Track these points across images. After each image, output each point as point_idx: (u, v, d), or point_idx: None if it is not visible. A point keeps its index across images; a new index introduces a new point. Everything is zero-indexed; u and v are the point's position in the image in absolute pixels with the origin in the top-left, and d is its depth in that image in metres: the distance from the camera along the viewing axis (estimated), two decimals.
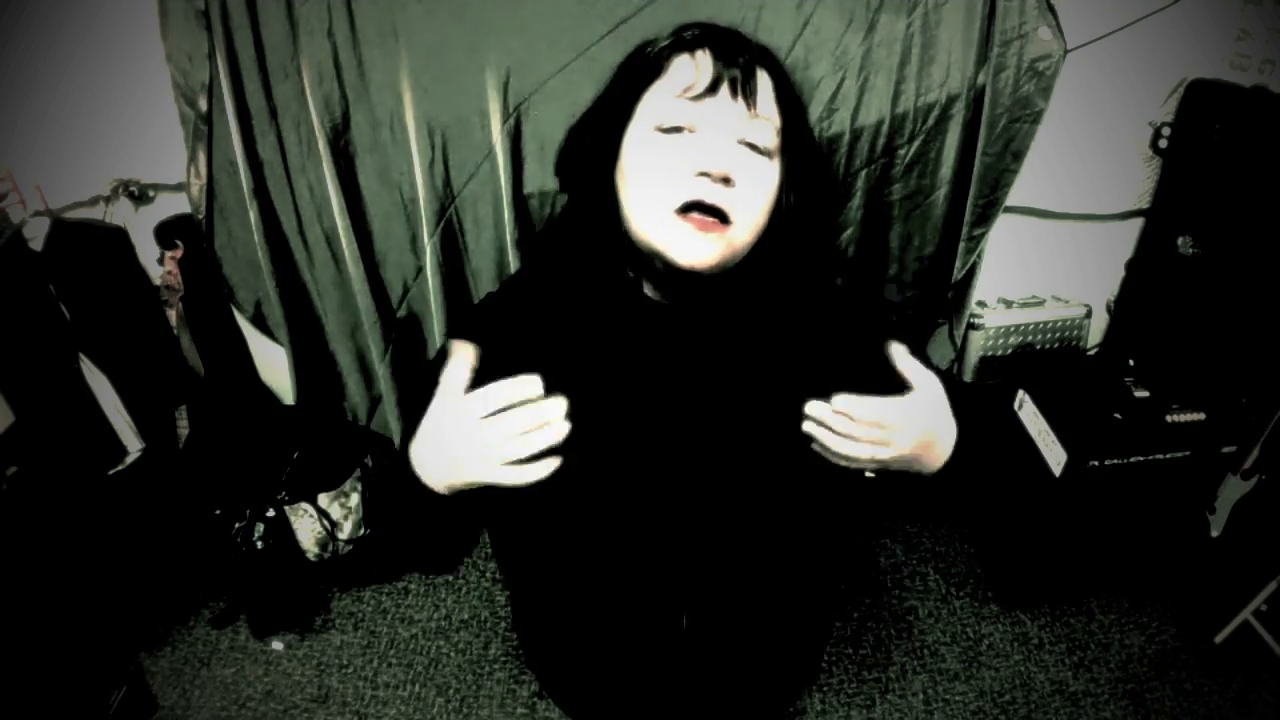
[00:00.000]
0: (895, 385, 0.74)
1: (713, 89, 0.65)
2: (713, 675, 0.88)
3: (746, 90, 0.66)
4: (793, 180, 0.72)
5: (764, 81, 0.68)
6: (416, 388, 0.79)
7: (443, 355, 0.78)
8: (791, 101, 0.71)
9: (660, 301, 0.75)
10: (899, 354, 0.64)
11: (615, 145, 0.70)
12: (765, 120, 0.67)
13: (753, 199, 0.68)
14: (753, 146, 0.67)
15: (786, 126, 0.70)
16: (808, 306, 0.80)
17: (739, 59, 0.66)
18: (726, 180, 0.65)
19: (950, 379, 0.78)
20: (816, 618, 0.98)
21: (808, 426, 0.61)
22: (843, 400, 0.59)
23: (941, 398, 0.64)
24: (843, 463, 0.61)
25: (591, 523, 0.79)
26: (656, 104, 0.67)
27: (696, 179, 0.65)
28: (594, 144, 0.72)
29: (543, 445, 0.56)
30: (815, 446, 0.61)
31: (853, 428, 0.59)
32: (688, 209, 0.66)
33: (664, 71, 0.67)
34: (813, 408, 0.60)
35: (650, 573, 0.80)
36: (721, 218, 0.66)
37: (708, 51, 0.67)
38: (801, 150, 0.72)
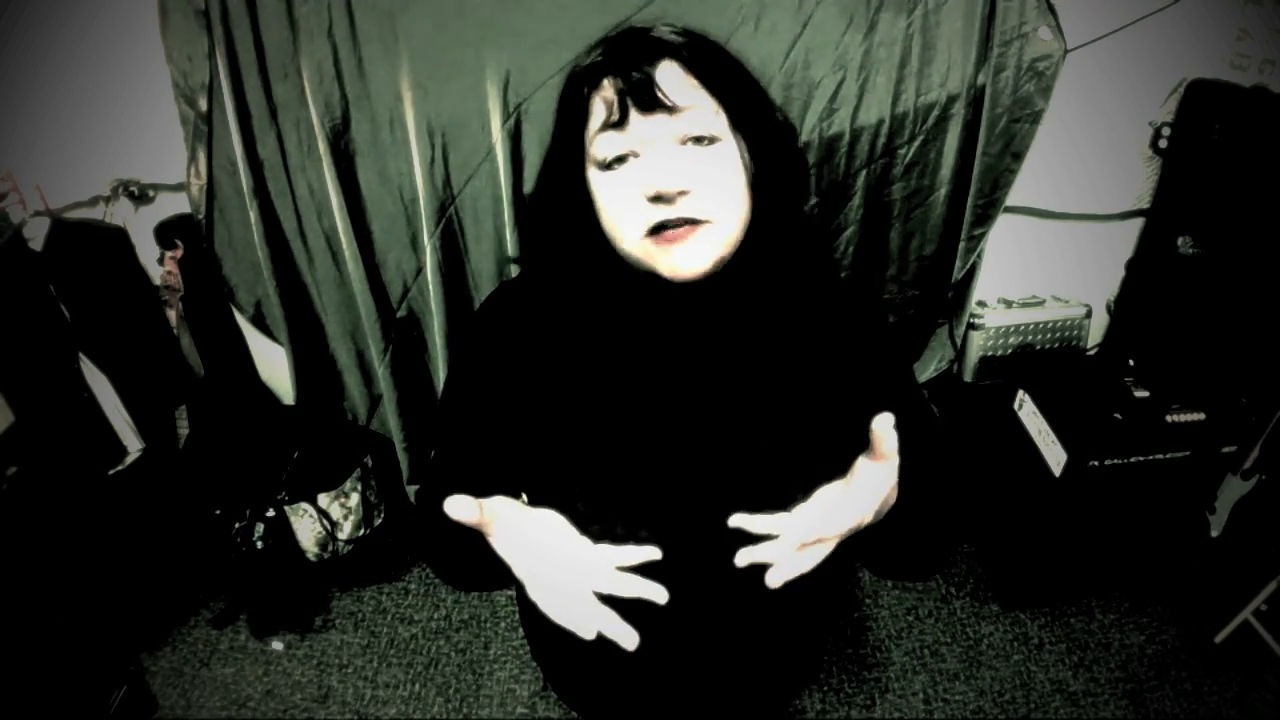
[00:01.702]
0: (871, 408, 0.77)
1: (624, 115, 0.66)
2: (718, 667, 0.89)
3: (653, 97, 0.65)
4: (757, 147, 0.71)
5: (673, 75, 0.66)
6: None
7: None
8: (721, 75, 0.68)
9: (663, 299, 0.75)
10: (879, 428, 0.60)
11: (583, 186, 0.71)
12: (693, 108, 0.66)
13: (719, 189, 0.68)
14: (697, 139, 0.67)
15: (727, 103, 0.68)
16: (806, 296, 0.80)
17: (633, 72, 0.65)
18: (682, 192, 0.65)
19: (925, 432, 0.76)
20: (821, 609, 0.98)
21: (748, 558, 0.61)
22: (772, 551, 0.59)
23: (865, 488, 0.62)
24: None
25: (599, 512, 0.79)
26: (591, 143, 0.68)
27: (654, 204, 0.66)
28: (562, 192, 0.73)
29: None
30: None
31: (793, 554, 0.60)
32: (656, 231, 0.67)
33: (590, 114, 0.68)
34: (745, 556, 0.60)
35: (657, 562, 0.81)
36: (692, 222, 0.67)
37: (610, 77, 0.67)
38: (754, 116, 0.71)
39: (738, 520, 0.61)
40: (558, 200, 0.74)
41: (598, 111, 0.68)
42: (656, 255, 0.68)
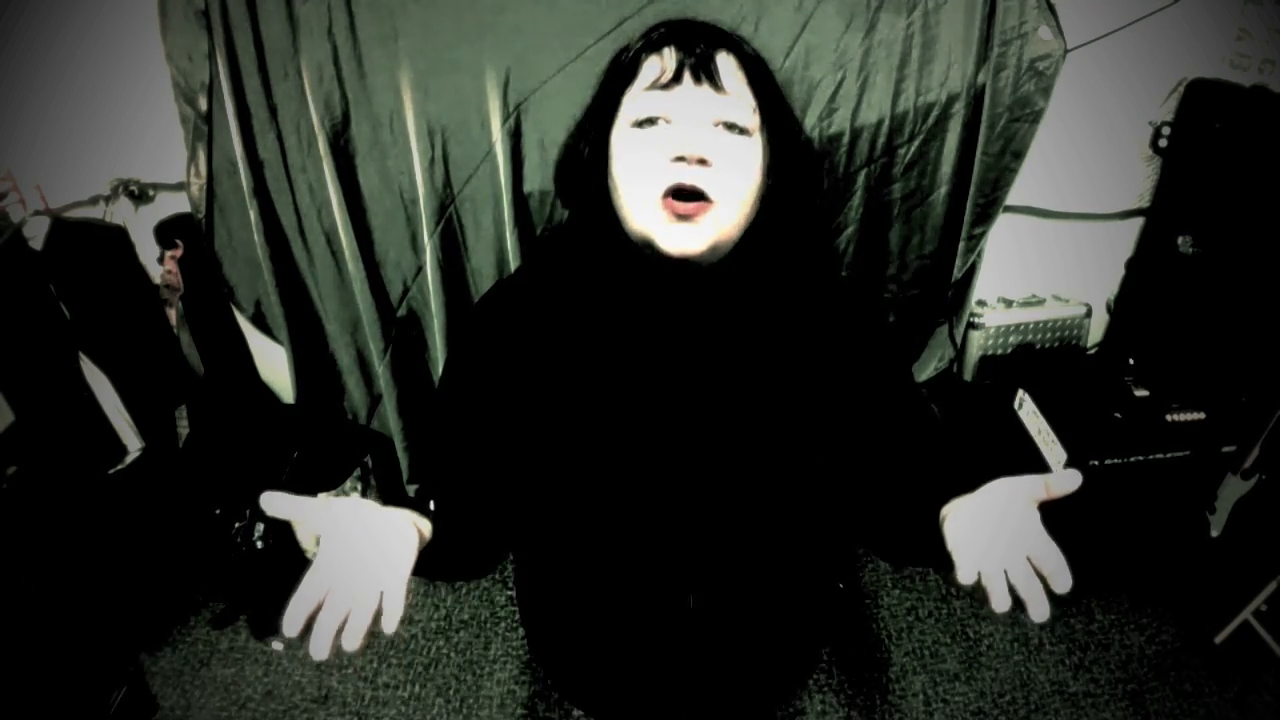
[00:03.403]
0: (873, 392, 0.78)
1: (677, 77, 0.69)
2: (717, 662, 0.89)
3: (709, 72, 0.69)
4: (777, 159, 0.73)
5: (727, 62, 0.71)
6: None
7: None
8: (764, 81, 0.73)
9: (661, 294, 0.76)
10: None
11: (605, 148, 0.72)
12: (736, 98, 0.70)
13: (735, 176, 0.70)
14: (730, 126, 0.69)
15: (763, 106, 0.72)
16: (806, 297, 0.80)
17: (697, 47, 0.70)
18: (703, 161, 0.67)
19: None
20: (818, 606, 0.98)
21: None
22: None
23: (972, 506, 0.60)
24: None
25: (598, 509, 0.79)
26: (631, 102, 0.71)
27: (674, 164, 0.68)
28: (586, 150, 0.76)
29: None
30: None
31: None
32: (669, 195, 0.68)
33: (637, 73, 0.71)
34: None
35: (656, 558, 0.81)
36: (702, 198, 0.67)
37: (672, 47, 0.71)
38: (782, 128, 0.74)
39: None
40: (581, 155, 0.77)
41: (649, 71, 0.70)
42: (661, 222, 0.69)
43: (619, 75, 0.72)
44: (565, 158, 0.81)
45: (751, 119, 0.70)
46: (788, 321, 0.78)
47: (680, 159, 0.67)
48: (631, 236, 0.73)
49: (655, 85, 0.69)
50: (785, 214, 0.76)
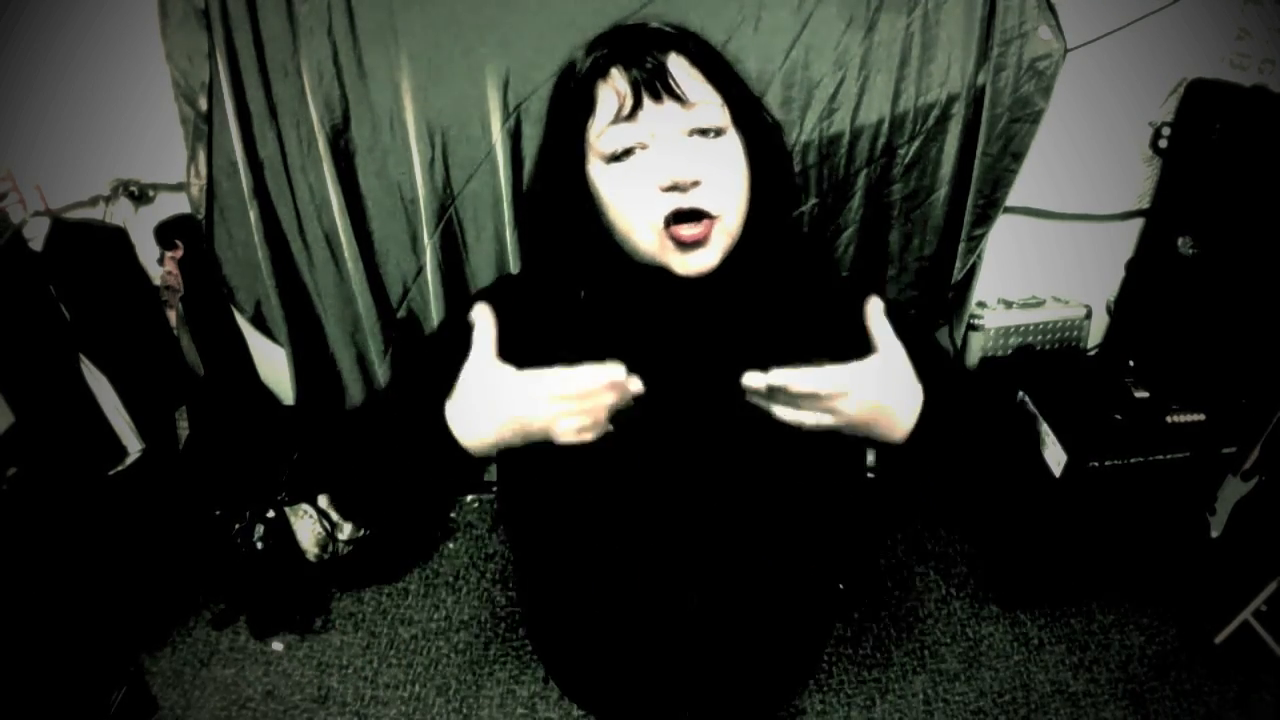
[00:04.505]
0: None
1: (637, 104, 0.66)
2: (718, 662, 0.89)
3: (668, 88, 0.66)
4: (753, 142, 0.72)
5: (681, 68, 0.68)
6: (432, 350, 0.80)
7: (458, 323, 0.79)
8: (720, 70, 0.70)
9: (668, 298, 0.76)
10: (873, 312, 0.63)
11: (582, 183, 0.71)
12: (704, 103, 0.68)
13: (727, 183, 0.69)
14: (704, 132, 0.68)
15: (728, 98, 0.70)
16: (805, 287, 0.80)
17: (646, 61, 0.66)
18: (696, 183, 0.66)
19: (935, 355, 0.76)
20: (820, 607, 0.98)
21: (749, 396, 0.61)
22: (779, 375, 0.59)
23: (899, 367, 0.63)
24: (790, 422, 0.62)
25: (602, 502, 0.79)
26: (598, 138, 0.68)
27: (667, 194, 0.67)
28: (561, 189, 0.73)
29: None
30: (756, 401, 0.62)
31: (790, 399, 0.60)
32: (672, 223, 0.67)
33: (595, 105, 0.68)
34: (750, 379, 0.60)
35: (659, 554, 0.81)
36: (706, 215, 0.67)
37: (619, 66, 0.67)
38: (748, 110, 0.72)
39: (749, 378, 0.60)
40: (557, 196, 0.74)
41: (606, 102, 0.67)
42: (671, 252, 0.69)
43: (576, 107, 0.69)
44: (536, 201, 0.78)
45: (723, 117, 0.69)
46: (788, 314, 0.78)
47: (673, 187, 0.66)
48: (637, 258, 0.72)
49: (619, 119, 0.66)
50: (772, 198, 0.75)
